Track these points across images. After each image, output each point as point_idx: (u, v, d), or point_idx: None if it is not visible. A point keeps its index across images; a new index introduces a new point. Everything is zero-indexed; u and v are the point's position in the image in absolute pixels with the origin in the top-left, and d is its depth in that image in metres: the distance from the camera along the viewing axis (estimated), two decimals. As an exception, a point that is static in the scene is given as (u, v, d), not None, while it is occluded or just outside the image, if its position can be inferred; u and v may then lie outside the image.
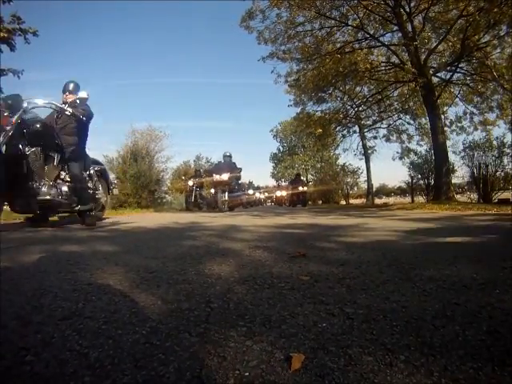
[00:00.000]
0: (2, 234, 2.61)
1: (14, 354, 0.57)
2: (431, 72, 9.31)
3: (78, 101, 3.37)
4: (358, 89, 11.83)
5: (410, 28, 8.80)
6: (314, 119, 11.52)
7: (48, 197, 3.09)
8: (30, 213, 3.42)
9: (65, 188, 3.38)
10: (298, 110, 12.33)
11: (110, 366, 0.53)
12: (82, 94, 3.46)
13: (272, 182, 29.78)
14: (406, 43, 8.45)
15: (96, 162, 4.27)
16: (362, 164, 16.05)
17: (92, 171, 3.97)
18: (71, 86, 3.56)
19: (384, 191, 45.76)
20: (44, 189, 3.07)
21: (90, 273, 1.19)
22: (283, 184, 18.47)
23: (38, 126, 3.10)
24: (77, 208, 3.49)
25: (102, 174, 4.33)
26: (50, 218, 3.83)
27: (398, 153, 14.99)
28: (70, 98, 3.47)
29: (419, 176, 10.25)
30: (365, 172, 15.99)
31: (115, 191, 4.82)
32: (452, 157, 9.65)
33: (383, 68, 10.37)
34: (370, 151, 15.31)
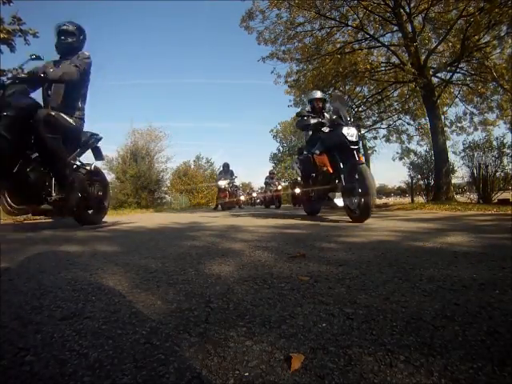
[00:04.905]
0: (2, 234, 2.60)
1: (13, 354, 0.57)
2: (431, 72, 9.31)
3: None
4: (357, 89, 11.82)
5: (410, 28, 8.80)
6: (314, 119, 11.49)
7: None
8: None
9: None
10: (298, 110, 12.32)
11: (109, 366, 0.53)
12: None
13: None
14: (406, 44, 8.45)
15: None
16: (362, 164, 15.94)
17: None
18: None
19: (384, 191, 45.74)
20: None
21: (90, 273, 1.19)
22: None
23: None
24: None
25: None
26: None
27: (397, 153, 15.08)
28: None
29: (419, 176, 10.22)
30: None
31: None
32: (452, 157, 9.65)
33: (383, 68, 10.36)
34: (370, 151, 15.29)
